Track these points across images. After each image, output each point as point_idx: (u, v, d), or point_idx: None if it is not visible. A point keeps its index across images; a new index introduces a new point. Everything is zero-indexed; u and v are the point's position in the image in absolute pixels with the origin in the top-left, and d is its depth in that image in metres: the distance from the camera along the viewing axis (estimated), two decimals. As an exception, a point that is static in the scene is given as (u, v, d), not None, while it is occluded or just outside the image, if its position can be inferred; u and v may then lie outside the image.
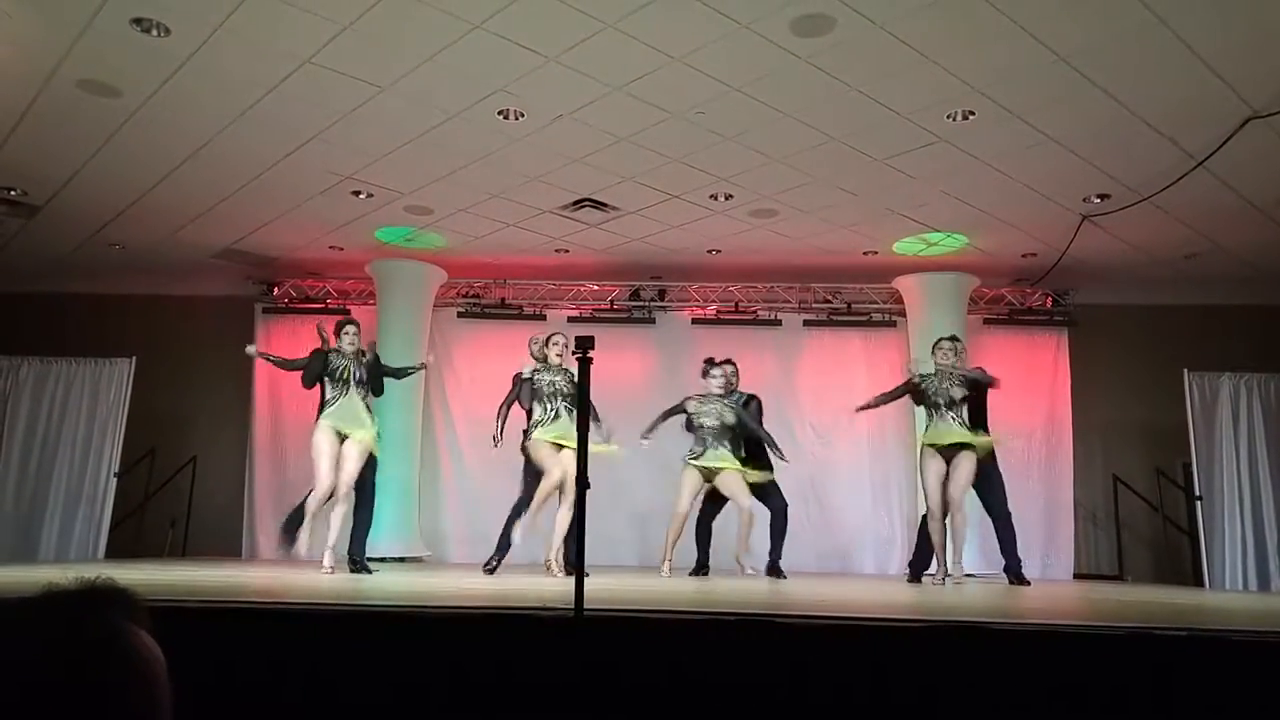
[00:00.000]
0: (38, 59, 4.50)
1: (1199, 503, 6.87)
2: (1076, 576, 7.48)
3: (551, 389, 5.55)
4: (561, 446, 5.41)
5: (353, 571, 5.31)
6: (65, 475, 7.31)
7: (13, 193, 6.29)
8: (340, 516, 5.31)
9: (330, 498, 5.24)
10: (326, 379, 5.37)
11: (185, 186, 6.10)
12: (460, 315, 8.17)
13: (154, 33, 4.23)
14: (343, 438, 5.26)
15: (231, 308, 8.37)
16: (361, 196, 6.32)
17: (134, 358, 7.46)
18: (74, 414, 7.42)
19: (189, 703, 0.84)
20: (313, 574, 4.98)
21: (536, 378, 5.60)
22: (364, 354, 5.53)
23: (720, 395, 5.95)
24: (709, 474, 5.82)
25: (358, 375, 5.40)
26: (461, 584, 4.41)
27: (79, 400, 7.45)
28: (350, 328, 5.52)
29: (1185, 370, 7.02)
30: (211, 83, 4.71)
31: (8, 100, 4.89)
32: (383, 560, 6.95)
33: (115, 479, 7.27)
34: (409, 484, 7.56)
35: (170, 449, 8.04)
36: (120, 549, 7.23)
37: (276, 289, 8.31)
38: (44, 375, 7.51)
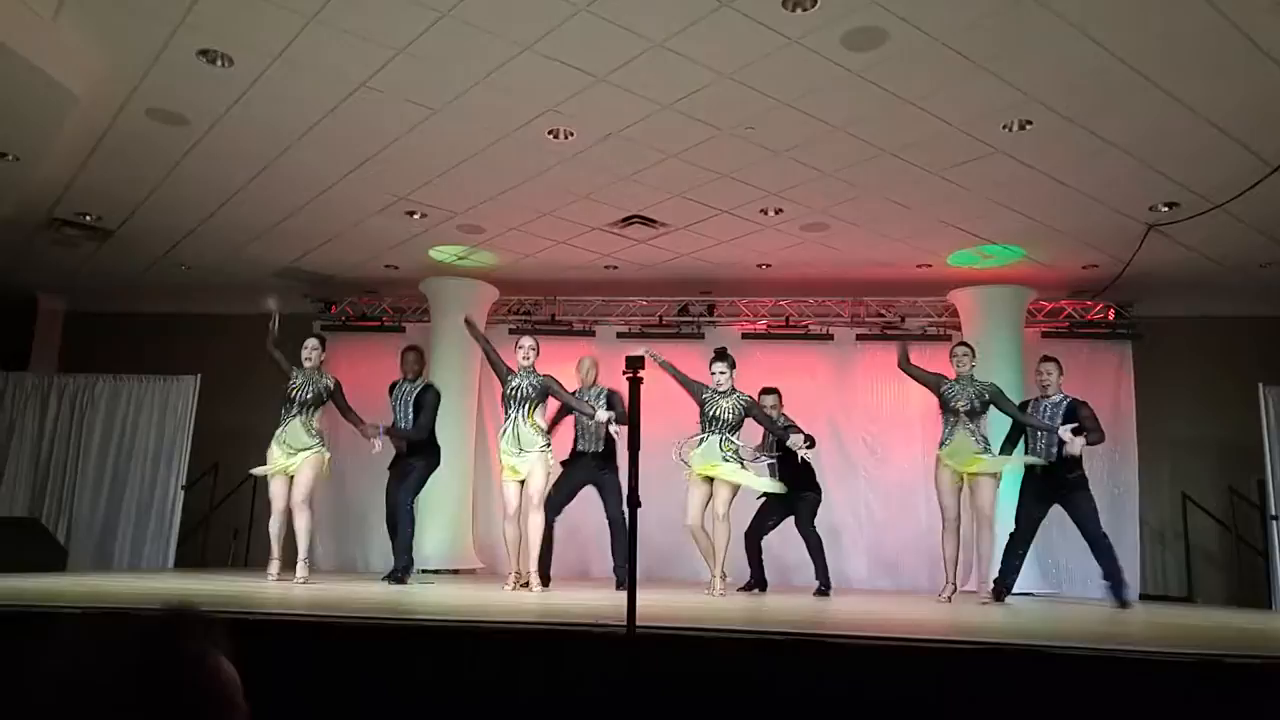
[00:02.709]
0: (109, 91, 4.71)
1: (1274, 522, 6.59)
2: (1143, 598, 7.19)
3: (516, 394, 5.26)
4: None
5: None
6: (137, 488, 7.63)
7: (88, 218, 6.58)
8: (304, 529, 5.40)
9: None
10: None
11: (248, 208, 6.32)
12: (511, 332, 8.24)
13: (219, 63, 4.41)
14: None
15: (290, 325, 8.56)
16: (416, 216, 6.45)
17: (199, 375, 7.73)
18: (144, 430, 7.75)
19: None
20: (364, 587, 5.06)
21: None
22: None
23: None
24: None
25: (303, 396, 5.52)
26: (513, 598, 4.42)
27: (149, 416, 7.78)
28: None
29: (1260, 384, 6.74)
30: (272, 108, 4.87)
31: (82, 129, 5.12)
32: (436, 572, 7.05)
33: (183, 492, 7.54)
34: (463, 496, 7.65)
35: (233, 463, 8.26)
36: (188, 559, 7.49)
37: (334, 307, 8.53)
38: (117, 392, 7.86)
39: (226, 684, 0.81)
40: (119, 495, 7.61)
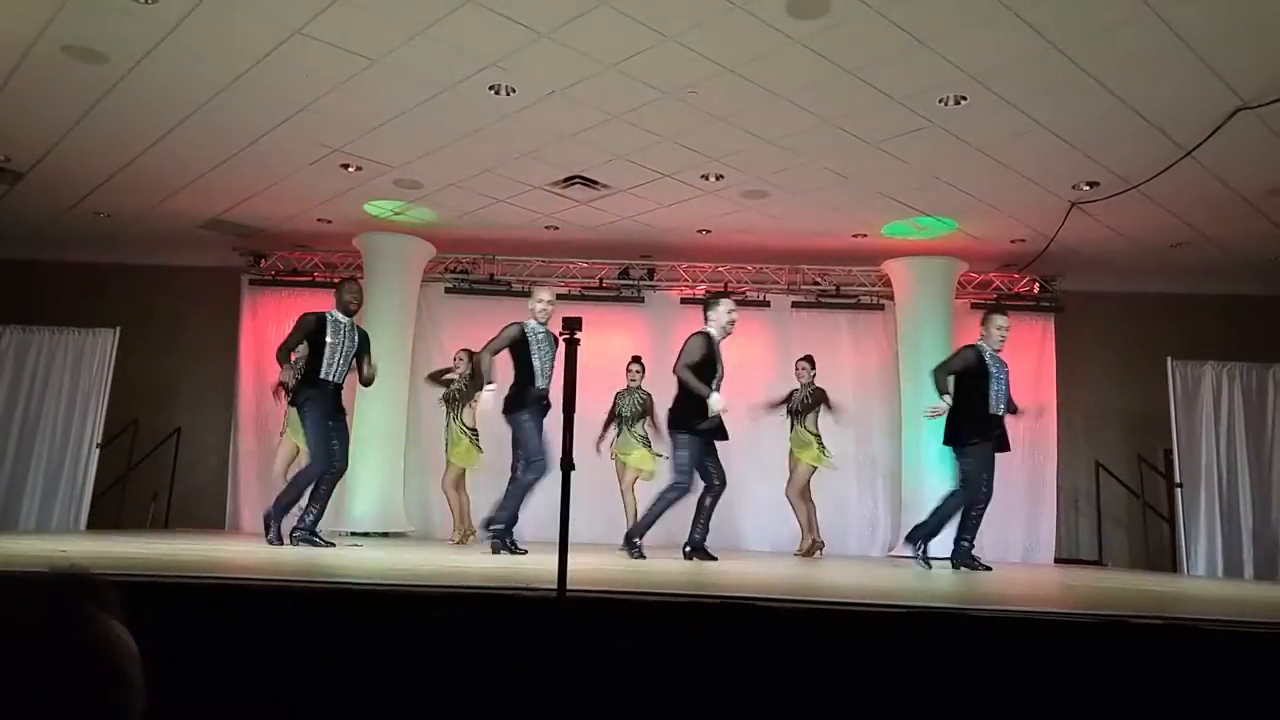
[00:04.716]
0: (22, 23, 4.41)
1: (1179, 489, 6.95)
2: (1057, 561, 7.59)
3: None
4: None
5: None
6: (46, 446, 7.24)
7: (-2, 158, 6.17)
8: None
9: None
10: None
11: (172, 155, 6.02)
12: (448, 291, 8.13)
13: (141, -1, 4.14)
14: None
15: (218, 279, 8.29)
16: (350, 169, 6.26)
17: (118, 328, 7.38)
18: (56, 384, 7.34)
19: (167, 686, 0.82)
20: (291, 549, 4.96)
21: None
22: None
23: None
24: None
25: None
26: (445, 562, 4.42)
27: (61, 370, 7.36)
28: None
29: (1169, 358, 7.07)
30: (200, 51, 4.64)
31: (-11, 64, 4.79)
32: (366, 535, 6.96)
33: (98, 450, 7.22)
34: (395, 459, 7.56)
35: (154, 420, 7.99)
36: (102, 521, 7.20)
37: (264, 261, 8.24)
38: (25, 344, 7.42)
39: (118, 652, 0.74)
40: (26, 453, 7.22)
